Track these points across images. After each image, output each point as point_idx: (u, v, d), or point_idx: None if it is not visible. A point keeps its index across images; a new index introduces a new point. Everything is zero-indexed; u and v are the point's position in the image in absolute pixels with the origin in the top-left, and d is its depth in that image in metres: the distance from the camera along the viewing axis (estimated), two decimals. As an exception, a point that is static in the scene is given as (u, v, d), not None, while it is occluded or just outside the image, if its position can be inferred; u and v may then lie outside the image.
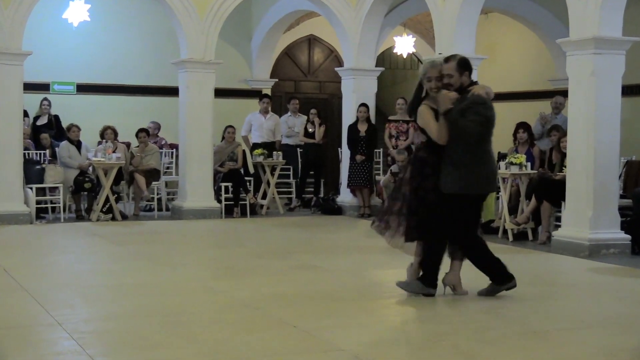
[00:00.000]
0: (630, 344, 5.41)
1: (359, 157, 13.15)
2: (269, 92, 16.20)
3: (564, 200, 9.45)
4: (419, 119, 6.57)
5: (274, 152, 13.75)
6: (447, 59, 6.51)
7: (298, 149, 14.51)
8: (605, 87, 9.07)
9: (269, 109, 14.46)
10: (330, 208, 13.65)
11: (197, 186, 12.65)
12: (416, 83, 6.71)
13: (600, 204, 9.06)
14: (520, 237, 10.36)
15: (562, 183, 9.55)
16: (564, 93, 10.25)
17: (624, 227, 9.32)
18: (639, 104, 12.95)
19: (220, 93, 13.74)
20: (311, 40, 17.44)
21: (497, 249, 9.69)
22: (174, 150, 14.13)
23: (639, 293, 7.25)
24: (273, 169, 13.64)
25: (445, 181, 6.46)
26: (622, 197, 9.90)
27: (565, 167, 9.74)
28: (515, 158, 10.42)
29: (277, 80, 16.77)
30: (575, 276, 8.17)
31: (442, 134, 6.41)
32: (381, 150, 14.15)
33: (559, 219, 9.95)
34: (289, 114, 14.85)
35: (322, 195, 14.37)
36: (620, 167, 10.17)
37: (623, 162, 10.87)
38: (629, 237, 9.24)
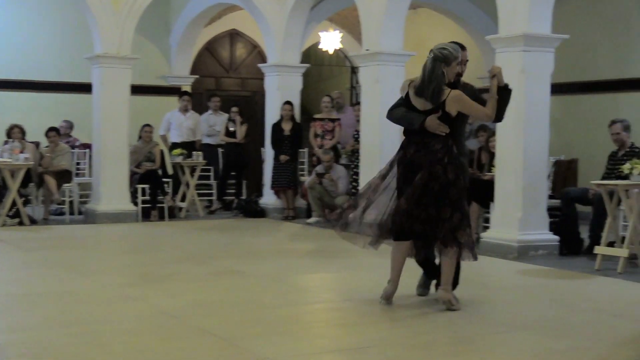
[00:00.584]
0: (560, 346, 5.53)
1: (283, 157, 13.14)
2: (188, 89, 16.04)
3: (493, 201, 9.61)
4: (459, 104, 6.29)
5: (194, 152, 13.65)
6: (463, 47, 6.53)
7: (219, 149, 14.42)
8: (535, 85, 9.26)
9: (189, 107, 14.34)
10: (253, 210, 13.59)
11: (112, 188, 12.46)
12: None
13: (529, 205, 9.25)
14: (449, 239, 10.48)
15: (490, 184, 9.72)
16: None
17: (552, 227, 9.54)
18: (568, 103, 13.29)
19: (137, 90, 13.56)
20: (233, 35, 17.35)
21: (426, 251, 9.83)
22: (88, 150, 13.89)
23: (568, 295, 7.42)
24: (193, 170, 13.53)
25: (464, 175, 6.46)
26: (550, 197, 10.12)
27: (493, 167, 9.92)
28: (444, 158, 10.53)
29: (197, 76, 16.64)
30: (505, 278, 8.32)
31: (494, 110, 6.38)
32: (306, 150, 14.17)
33: (487, 220, 10.11)
34: (210, 112, 14.76)
35: (244, 197, 14.31)
36: (549, 167, 10.39)
37: (552, 162, 11.11)
38: (557, 238, 9.46)
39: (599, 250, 8.61)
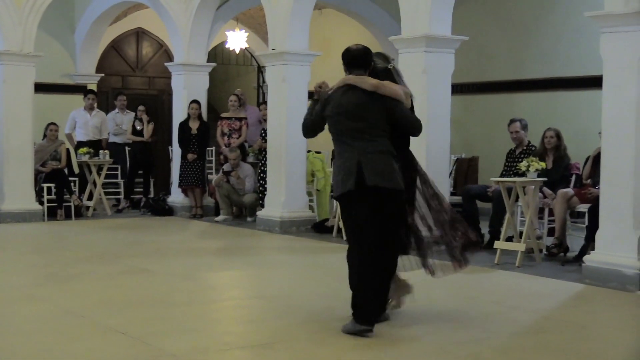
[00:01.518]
0: (461, 337, 5.64)
1: (190, 156, 13.04)
2: (94, 87, 15.73)
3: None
4: (405, 109, 5.94)
5: (100, 151, 13.41)
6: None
7: (126, 148, 14.21)
8: (436, 85, 9.43)
9: (95, 105, 14.09)
10: (161, 209, 13.46)
11: (16, 187, 12.13)
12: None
13: (432, 201, 9.38)
14: (355, 236, 10.57)
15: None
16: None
17: (455, 223, 9.70)
18: (468, 102, 13.57)
19: (41, 88, 13.24)
20: (139, 34, 17.10)
21: (332, 248, 9.92)
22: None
23: (469, 288, 7.55)
24: (99, 169, 13.29)
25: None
26: (452, 194, 10.31)
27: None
28: (349, 156, 10.61)
29: (103, 75, 16.32)
30: (411, 274, 8.41)
31: None
32: (213, 148, 14.08)
33: (392, 216, 10.22)
34: (116, 110, 14.53)
35: (151, 195, 14.14)
36: (450, 165, 10.58)
37: (453, 160, 11.32)
38: (459, 233, 9.63)
39: (498, 245, 8.81)
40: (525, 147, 9.86)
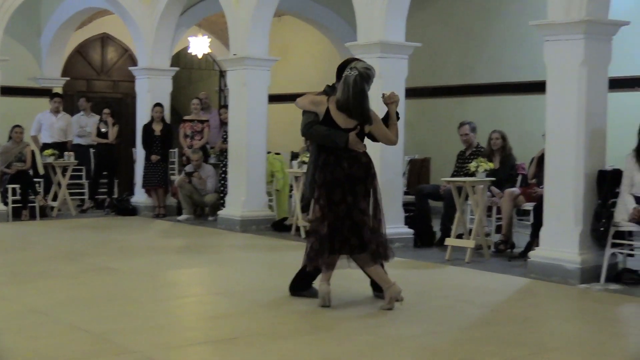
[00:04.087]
0: (414, 331, 5.66)
1: (153, 157, 12.93)
2: (60, 90, 15.53)
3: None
4: (376, 125, 6.25)
5: (65, 153, 13.25)
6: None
7: (90, 149, 14.06)
8: (391, 89, 9.36)
9: (60, 108, 13.93)
10: (125, 209, 13.33)
11: (-18, 188, 11.93)
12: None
13: (386, 200, 9.37)
14: (312, 234, 10.56)
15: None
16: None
17: (407, 222, 9.76)
18: (421, 106, 13.62)
19: (7, 91, 12.99)
20: (104, 39, 16.95)
21: (291, 245, 9.91)
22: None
23: (421, 284, 7.58)
24: (64, 170, 13.12)
25: None
26: (405, 193, 10.34)
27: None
28: (307, 157, 10.60)
29: (68, 78, 16.13)
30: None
31: (397, 137, 6.49)
32: (176, 150, 13.99)
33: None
34: (81, 113, 14.37)
35: (116, 195, 14.00)
36: (404, 165, 10.61)
37: (407, 161, 11.36)
38: (412, 231, 9.69)
39: (449, 242, 8.86)
40: (474, 149, 9.93)
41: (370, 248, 6.15)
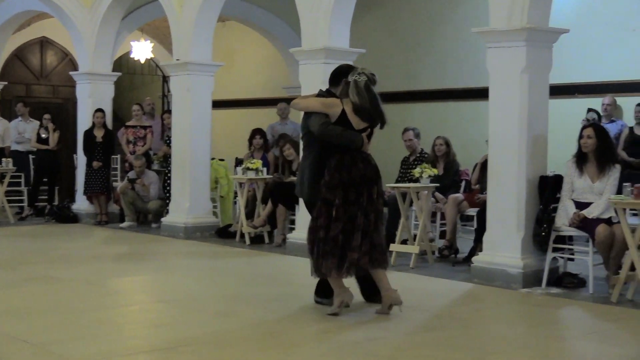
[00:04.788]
0: (358, 337, 5.70)
1: (95, 164, 12.79)
2: (-3, 95, 15.29)
3: (298, 203, 9.78)
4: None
5: (3, 159, 13.02)
6: None
7: (30, 156, 13.85)
8: (334, 96, 9.49)
9: (-2, 113, 13.71)
10: (66, 216, 13.17)
11: None
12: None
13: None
14: (257, 241, 10.59)
15: (293, 186, 9.86)
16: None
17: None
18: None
19: (-58, 96, 12.80)
20: (43, 43, 16.72)
21: (235, 252, 9.91)
22: None
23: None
24: (2, 177, 12.90)
25: None
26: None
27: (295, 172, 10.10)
28: (252, 163, 10.64)
29: (6, 83, 15.85)
30: (308, 276, 8.45)
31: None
32: (119, 156, 13.87)
33: (293, 221, 10.27)
34: (19, 119, 14.16)
35: (56, 203, 13.82)
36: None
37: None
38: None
39: (393, 247, 8.94)
40: (418, 155, 10.06)
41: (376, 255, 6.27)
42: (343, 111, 6.25)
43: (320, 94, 6.55)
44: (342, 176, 6.20)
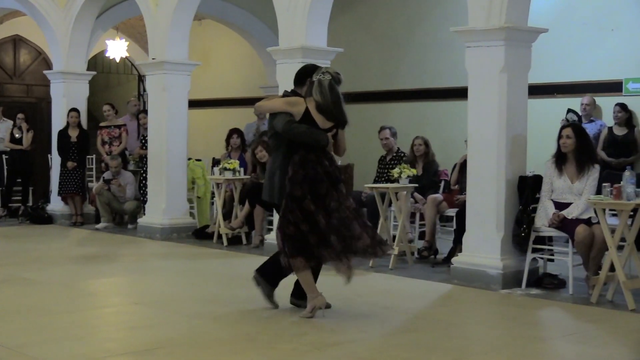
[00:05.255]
0: (337, 339, 5.69)
1: (70, 164, 12.70)
2: (-31, 95, 15.14)
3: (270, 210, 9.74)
4: (344, 133, 6.47)
5: (-24, 160, 12.92)
6: None
7: (3, 156, 13.73)
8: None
9: (-29, 113, 13.57)
10: (40, 217, 13.07)
11: None
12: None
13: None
14: (234, 242, 10.55)
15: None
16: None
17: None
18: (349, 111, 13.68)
19: None
20: (17, 41, 16.58)
21: (213, 253, 9.86)
22: None
23: (344, 291, 7.61)
24: (-25, 177, 12.78)
25: None
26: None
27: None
28: (229, 164, 10.59)
29: (-22, 82, 15.74)
30: (289, 278, 8.43)
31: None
32: (94, 156, 13.78)
33: (271, 222, 10.23)
34: (-8, 119, 14.03)
35: (30, 203, 13.70)
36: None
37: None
38: (336, 237, 9.71)
39: (372, 248, 8.91)
40: (395, 154, 10.06)
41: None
42: (307, 110, 6.22)
43: (286, 95, 6.54)
44: (308, 172, 6.12)
